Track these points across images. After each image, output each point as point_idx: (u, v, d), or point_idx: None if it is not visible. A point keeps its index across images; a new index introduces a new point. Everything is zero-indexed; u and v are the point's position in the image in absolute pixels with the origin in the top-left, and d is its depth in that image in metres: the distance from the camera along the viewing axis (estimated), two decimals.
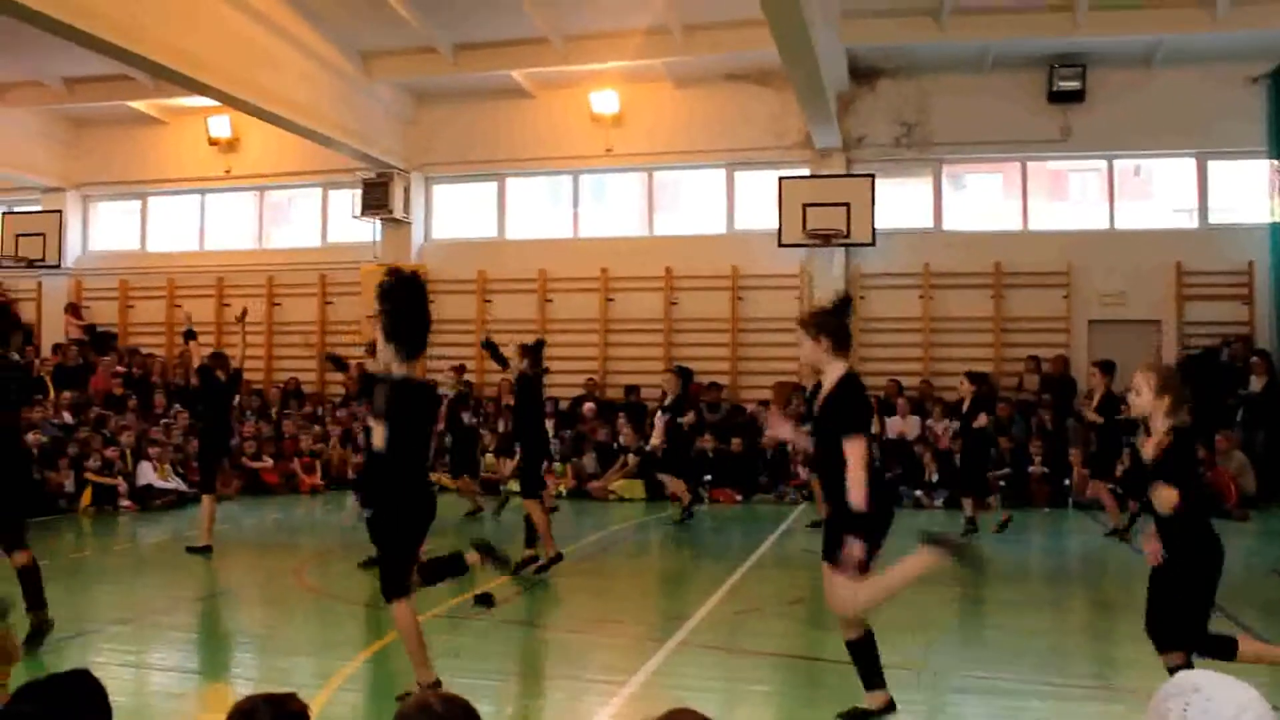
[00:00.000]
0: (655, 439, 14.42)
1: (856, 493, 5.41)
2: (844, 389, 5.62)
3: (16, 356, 8.13)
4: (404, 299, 5.84)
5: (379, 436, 5.83)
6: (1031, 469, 16.32)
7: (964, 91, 18.04)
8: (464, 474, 15.25)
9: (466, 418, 15.65)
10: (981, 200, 19.74)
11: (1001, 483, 16.02)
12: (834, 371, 5.68)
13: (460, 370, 15.47)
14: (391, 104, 19.70)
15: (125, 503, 15.38)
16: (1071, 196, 19.72)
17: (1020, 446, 16.59)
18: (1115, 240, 17.85)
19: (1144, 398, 5.32)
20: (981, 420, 12.94)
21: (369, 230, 20.40)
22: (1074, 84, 17.46)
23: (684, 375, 14.94)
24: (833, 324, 5.76)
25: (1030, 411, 17.08)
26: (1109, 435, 12.87)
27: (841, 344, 5.73)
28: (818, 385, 5.85)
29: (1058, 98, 17.63)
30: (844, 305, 5.95)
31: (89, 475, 15.25)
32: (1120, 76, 17.51)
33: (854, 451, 5.43)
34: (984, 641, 8.13)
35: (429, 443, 6.27)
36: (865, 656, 5.72)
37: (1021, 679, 6.64)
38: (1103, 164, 18.35)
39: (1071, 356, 17.53)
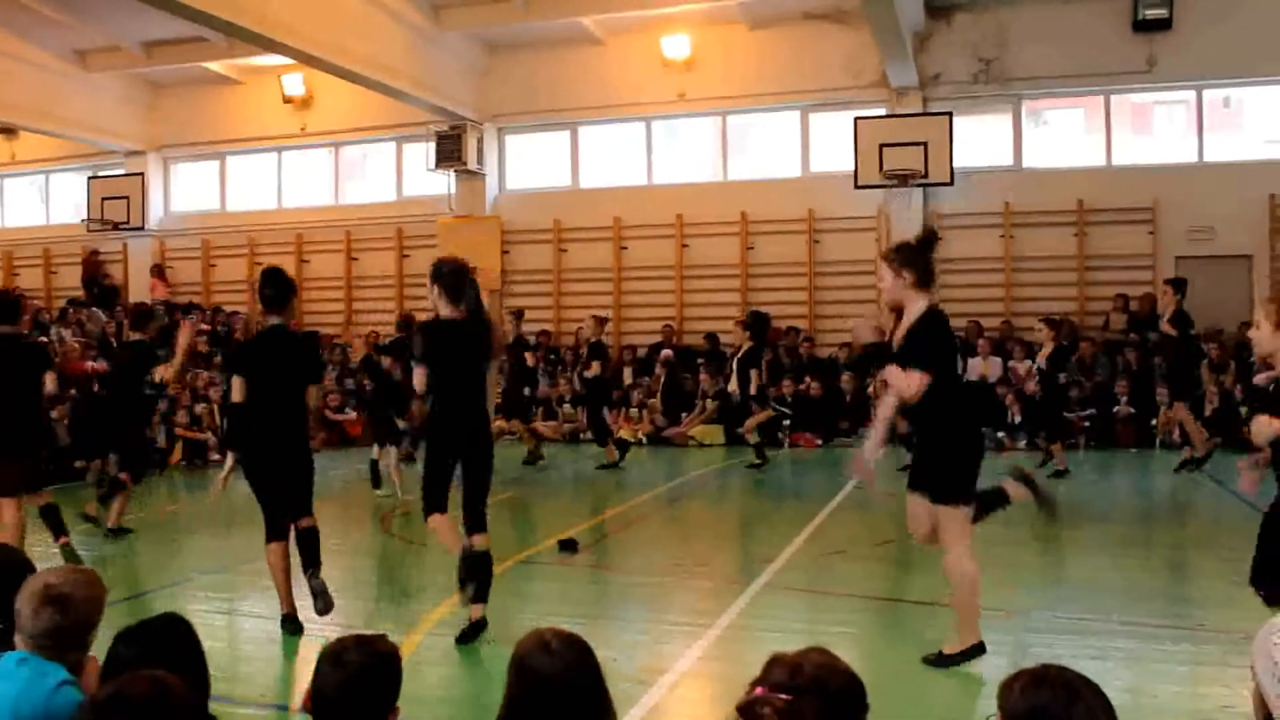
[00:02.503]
0: (734, 384, 14.38)
1: (896, 377, 5.44)
2: (924, 323, 5.51)
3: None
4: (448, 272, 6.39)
5: (418, 380, 6.30)
6: (1117, 409, 16.02)
7: (1043, 24, 17.50)
8: (515, 417, 15.02)
9: (530, 360, 15.36)
10: (1063, 136, 19.25)
11: (1085, 423, 15.78)
12: (916, 307, 5.57)
13: (519, 315, 15.46)
14: (463, 55, 19.69)
15: (215, 456, 15.76)
16: (1156, 130, 19.12)
17: (1106, 386, 16.29)
18: (1203, 173, 17.28)
19: (1263, 331, 5.06)
20: (1061, 379, 12.88)
21: (444, 183, 20.49)
22: (1160, 11, 16.84)
23: (760, 320, 14.85)
24: (917, 258, 5.60)
25: (1116, 351, 16.74)
26: (1184, 353, 12.60)
27: (925, 279, 5.58)
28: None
29: (1143, 26, 17.04)
30: (929, 240, 5.78)
31: (179, 431, 15.66)
32: (1210, 2, 16.87)
33: (914, 380, 5.38)
34: (1070, 582, 8.03)
35: (465, 376, 6.30)
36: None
37: (1110, 619, 6.54)
38: (1190, 95, 17.73)
39: (1158, 294, 17.10)
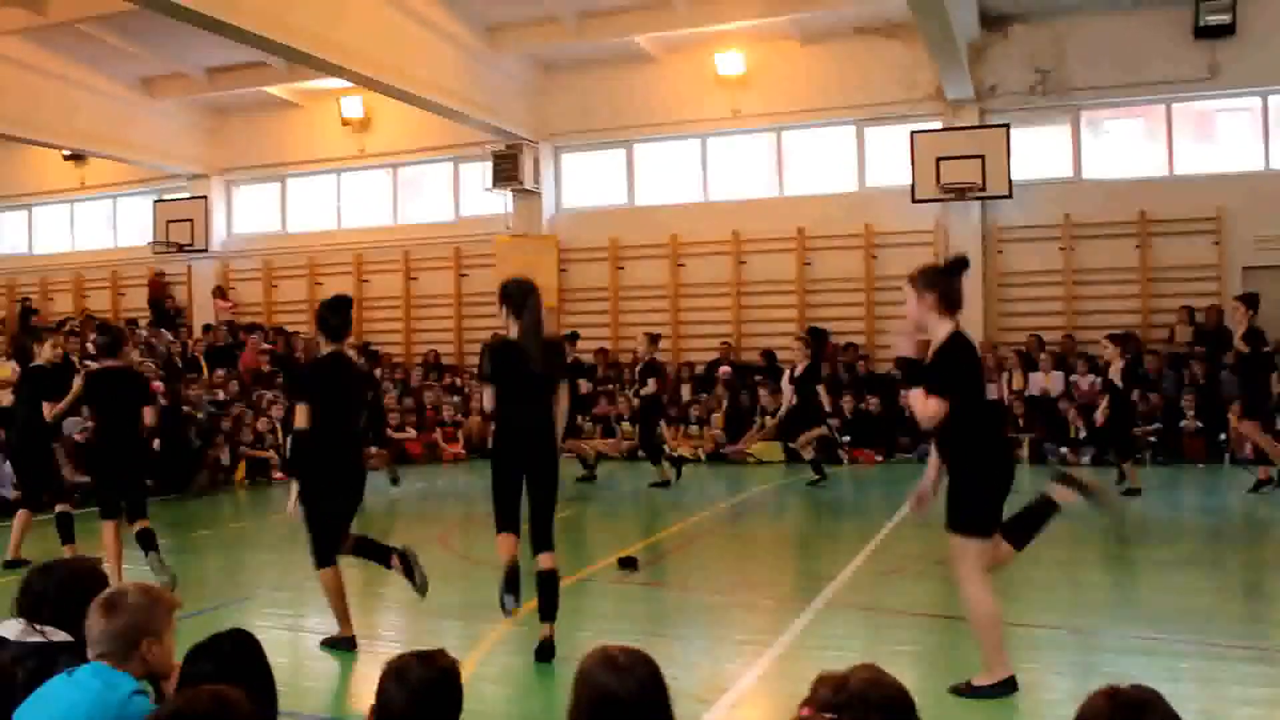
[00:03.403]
0: (788, 400, 14.32)
1: (918, 403, 5.38)
2: (945, 349, 5.42)
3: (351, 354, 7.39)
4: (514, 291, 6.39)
5: (486, 399, 6.33)
6: (1184, 424, 15.72)
7: (1102, 33, 17.31)
8: (569, 438, 15.04)
9: (583, 388, 15.91)
10: (1123, 146, 18.95)
11: (1152, 439, 15.51)
12: (941, 331, 5.47)
13: (572, 339, 15.52)
14: (518, 76, 19.85)
15: (277, 474, 15.98)
16: (1220, 138, 18.76)
17: (1172, 401, 16.00)
18: (1270, 181, 16.92)
19: None
20: (1134, 395, 12.67)
21: (500, 202, 20.63)
22: (1223, 17, 16.54)
23: (817, 336, 14.74)
24: (941, 280, 5.49)
25: (1182, 364, 16.43)
26: (1257, 369, 12.38)
27: (949, 303, 5.46)
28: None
29: (1205, 33, 16.74)
30: (957, 264, 5.67)
31: (243, 449, 15.89)
32: (1275, 6, 16.55)
33: (931, 406, 5.31)
34: (1138, 601, 7.88)
35: (519, 394, 6.26)
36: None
37: (1181, 639, 6.40)
38: (1255, 101, 17.39)
39: (1225, 306, 16.76)
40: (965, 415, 5.35)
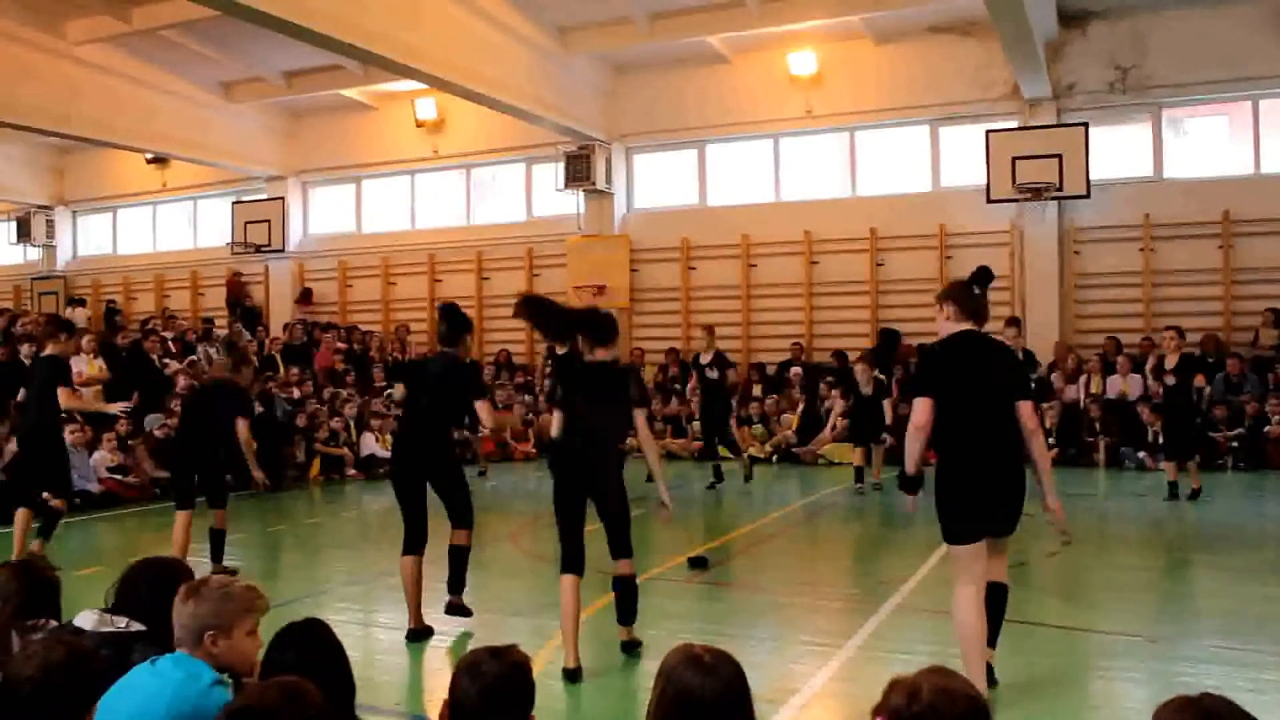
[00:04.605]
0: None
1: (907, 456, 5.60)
2: (928, 346, 5.56)
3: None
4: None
5: (554, 426, 6.36)
6: (1268, 429, 15.33)
7: (1185, 28, 16.88)
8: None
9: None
10: (1206, 144, 18.52)
11: (1233, 444, 15.14)
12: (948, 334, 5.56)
13: (639, 354, 15.51)
14: (590, 77, 19.93)
15: (351, 471, 16.19)
16: None
17: (1256, 404, 15.59)
18: None
19: None
20: (1199, 380, 12.25)
21: (573, 203, 20.73)
22: None
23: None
24: (959, 293, 5.56)
25: (1266, 368, 16.03)
26: None
27: (967, 313, 5.52)
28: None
29: None
30: (978, 277, 5.69)
31: (318, 446, 16.13)
32: None
33: (913, 413, 5.45)
34: (1216, 610, 7.69)
35: (587, 412, 6.20)
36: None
37: (1263, 650, 6.25)
38: None
39: None
40: (940, 420, 5.42)
